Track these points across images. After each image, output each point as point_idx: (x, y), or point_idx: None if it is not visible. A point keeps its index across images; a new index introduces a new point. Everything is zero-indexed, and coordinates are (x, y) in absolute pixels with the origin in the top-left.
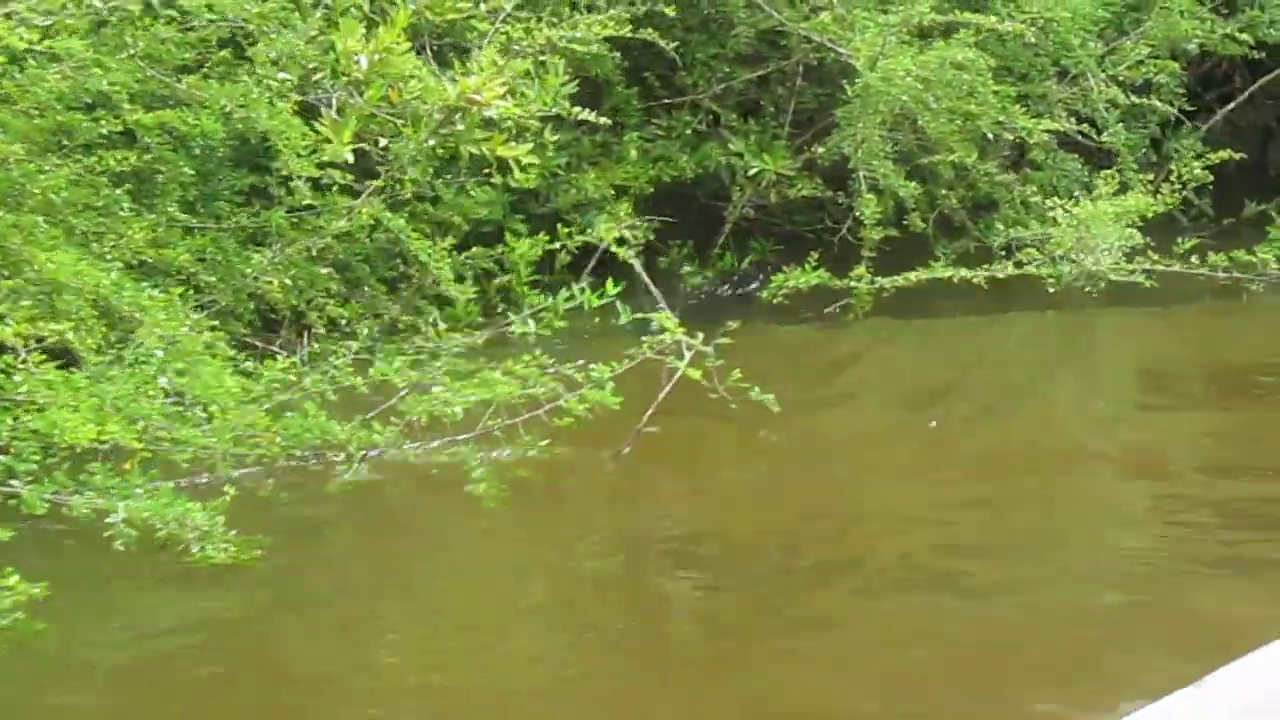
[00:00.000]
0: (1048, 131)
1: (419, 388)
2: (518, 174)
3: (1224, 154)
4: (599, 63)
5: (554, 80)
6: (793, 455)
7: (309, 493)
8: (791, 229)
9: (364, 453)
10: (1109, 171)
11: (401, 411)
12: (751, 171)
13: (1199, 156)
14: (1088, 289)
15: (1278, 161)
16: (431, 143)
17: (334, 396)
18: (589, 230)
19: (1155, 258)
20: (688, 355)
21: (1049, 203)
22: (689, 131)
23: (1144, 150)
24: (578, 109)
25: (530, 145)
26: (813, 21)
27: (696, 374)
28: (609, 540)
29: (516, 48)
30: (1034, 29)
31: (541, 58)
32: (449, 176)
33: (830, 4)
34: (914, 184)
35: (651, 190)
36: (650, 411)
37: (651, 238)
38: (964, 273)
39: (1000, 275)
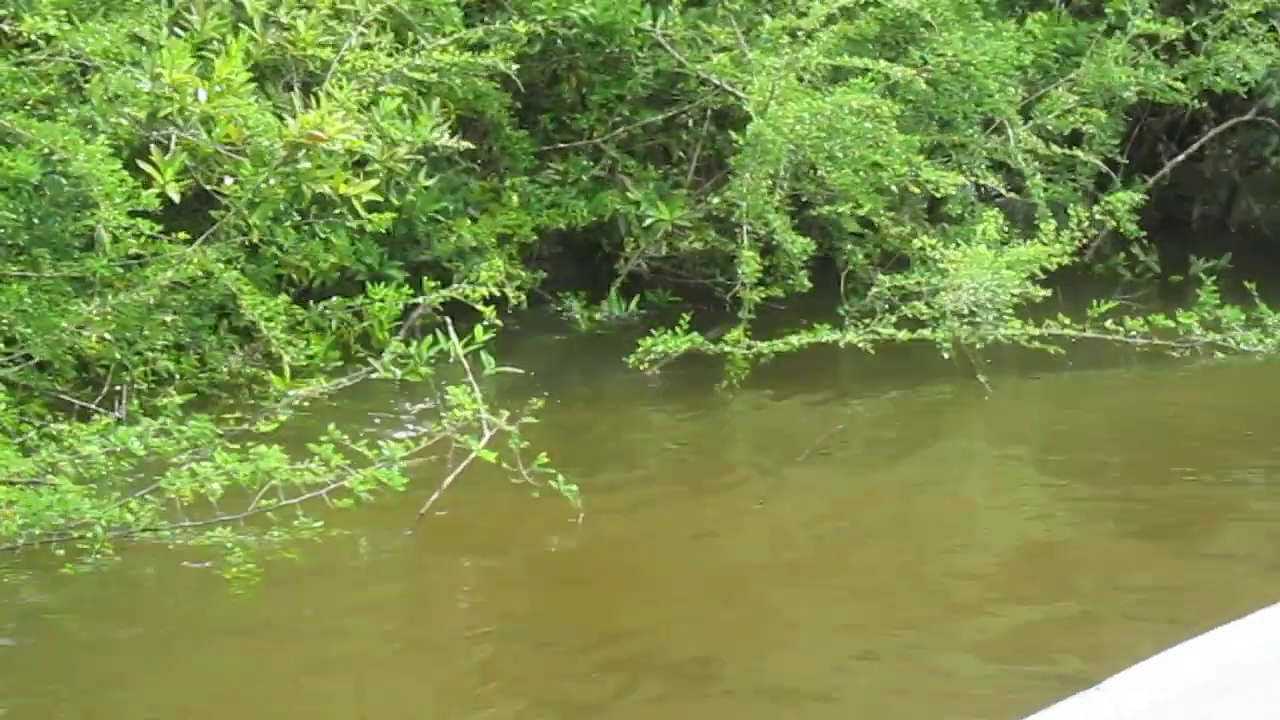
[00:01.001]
0: (974, 183)
1: (198, 455)
2: (363, 214)
3: (1121, 196)
4: (484, 102)
5: (425, 119)
6: (594, 548)
7: (51, 577)
8: (699, 283)
9: (110, 533)
10: (989, 213)
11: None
12: (647, 222)
13: (1108, 212)
14: (977, 346)
15: (1238, 218)
16: (274, 182)
17: (105, 468)
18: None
19: (1066, 321)
20: (487, 435)
21: (935, 251)
22: (586, 177)
23: (1076, 203)
24: (445, 143)
25: (375, 183)
26: (710, 63)
27: (491, 456)
28: (369, 632)
29: (363, 79)
30: (949, 74)
31: (381, 89)
32: (307, 220)
33: (734, 45)
34: (807, 239)
35: (536, 238)
36: (435, 496)
37: (536, 286)
38: (849, 336)
39: (881, 335)
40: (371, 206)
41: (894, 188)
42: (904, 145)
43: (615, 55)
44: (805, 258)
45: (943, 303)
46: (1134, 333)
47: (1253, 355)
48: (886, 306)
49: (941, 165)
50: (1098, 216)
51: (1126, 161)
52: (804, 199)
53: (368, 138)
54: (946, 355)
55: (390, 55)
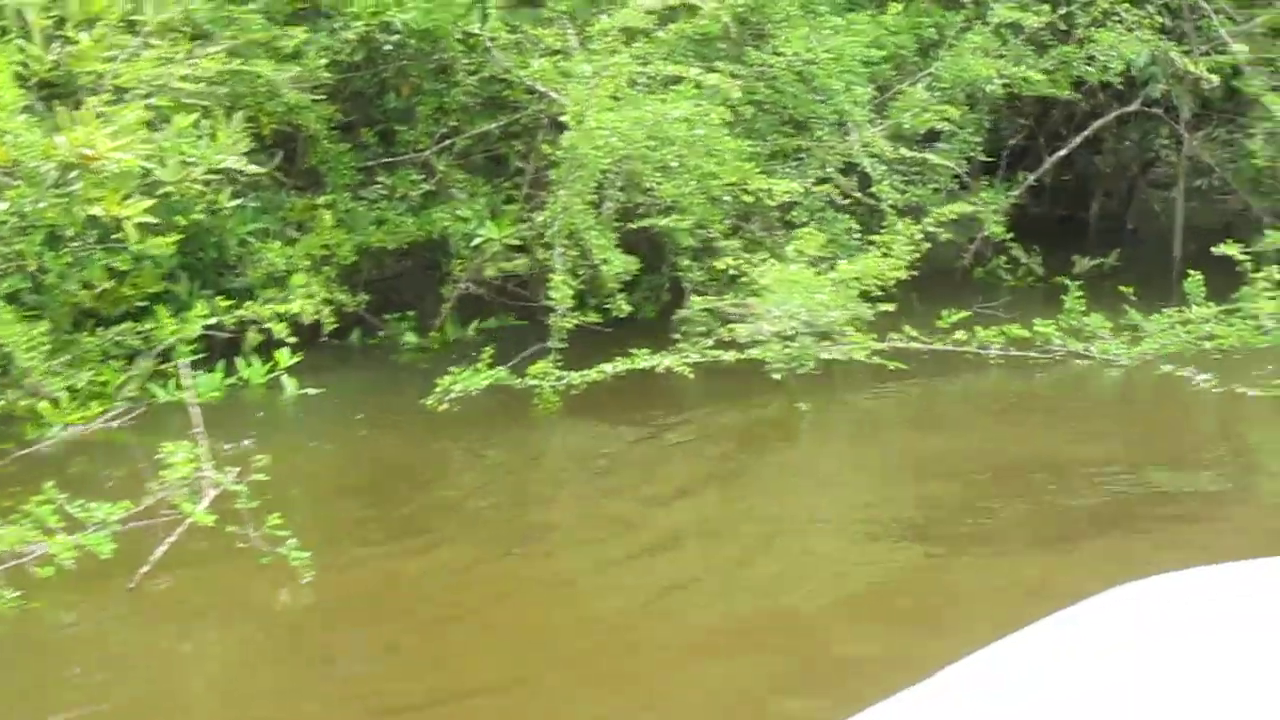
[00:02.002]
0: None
1: None
2: (132, 237)
3: (986, 196)
4: (300, 115)
5: (224, 136)
6: (338, 614)
7: None
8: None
9: None
10: (804, 231)
11: None
12: (476, 241)
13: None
14: (799, 369)
15: (1135, 214)
16: (43, 205)
17: None
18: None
19: (914, 334)
20: (208, 495)
21: (755, 270)
22: (415, 193)
23: (934, 206)
24: (236, 165)
25: (149, 204)
26: (532, 69)
27: (209, 519)
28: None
29: (135, 92)
30: (790, 73)
31: (149, 101)
32: (87, 246)
33: (565, 48)
34: (631, 257)
35: (356, 258)
36: (144, 569)
37: (361, 309)
38: (668, 361)
39: (692, 360)
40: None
41: (729, 198)
42: (735, 152)
43: (446, 62)
44: (628, 276)
45: (752, 329)
46: (990, 344)
47: (1116, 365)
48: (703, 329)
49: (792, 170)
50: (948, 219)
51: (1006, 157)
52: (640, 212)
53: (151, 157)
54: (777, 378)
55: (161, 65)
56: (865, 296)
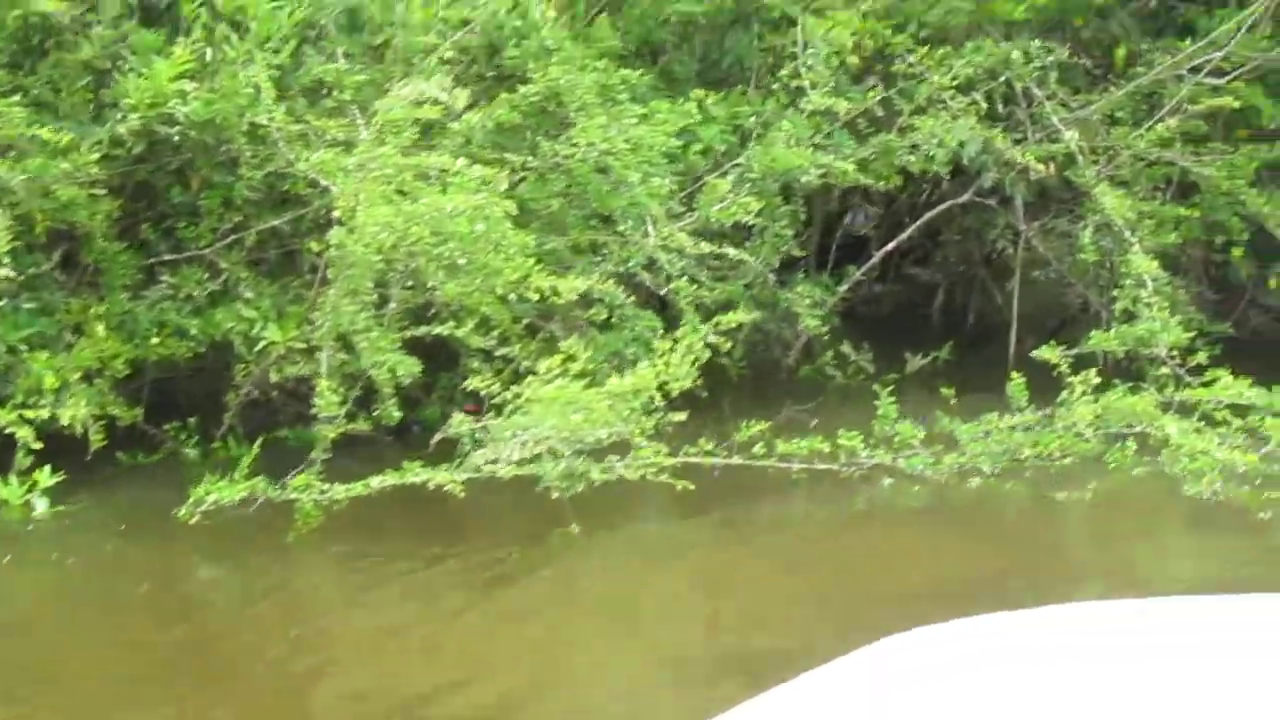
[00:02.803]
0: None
1: None
2: None
3: (802, 290)
4: (72, 211)
5: None
6: None
7: None
8: None
9: None
10: (645, 317)
11: None
12: (259, 344)
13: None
14: (568, 491)
15: (977, 307)
16: None
17: None
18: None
19: (709, 447)
20: None
21: (519, 388)
22: (200, 293)
23: (743, 303)
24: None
25: None
26: (311, 161)
27: None
28: None
29: None
30: (582, 165)
31: None
32: None
33: (348, 139)
34: (414, 359)
35: (128, 371)
36: None
37: (138, 419)
38: (440, 477)
39: (474, 475)
40: None
41: (514, 296)
42: (520, 248)
43: (234, 154)
44: (408, 380)
45: (501, 449)
46: (793, 458)
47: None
48: (470, 444)
49: (595, 265)
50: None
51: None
52: (433, 313)
53: None
54: (556, 495)
55: None
56: (666, 400)
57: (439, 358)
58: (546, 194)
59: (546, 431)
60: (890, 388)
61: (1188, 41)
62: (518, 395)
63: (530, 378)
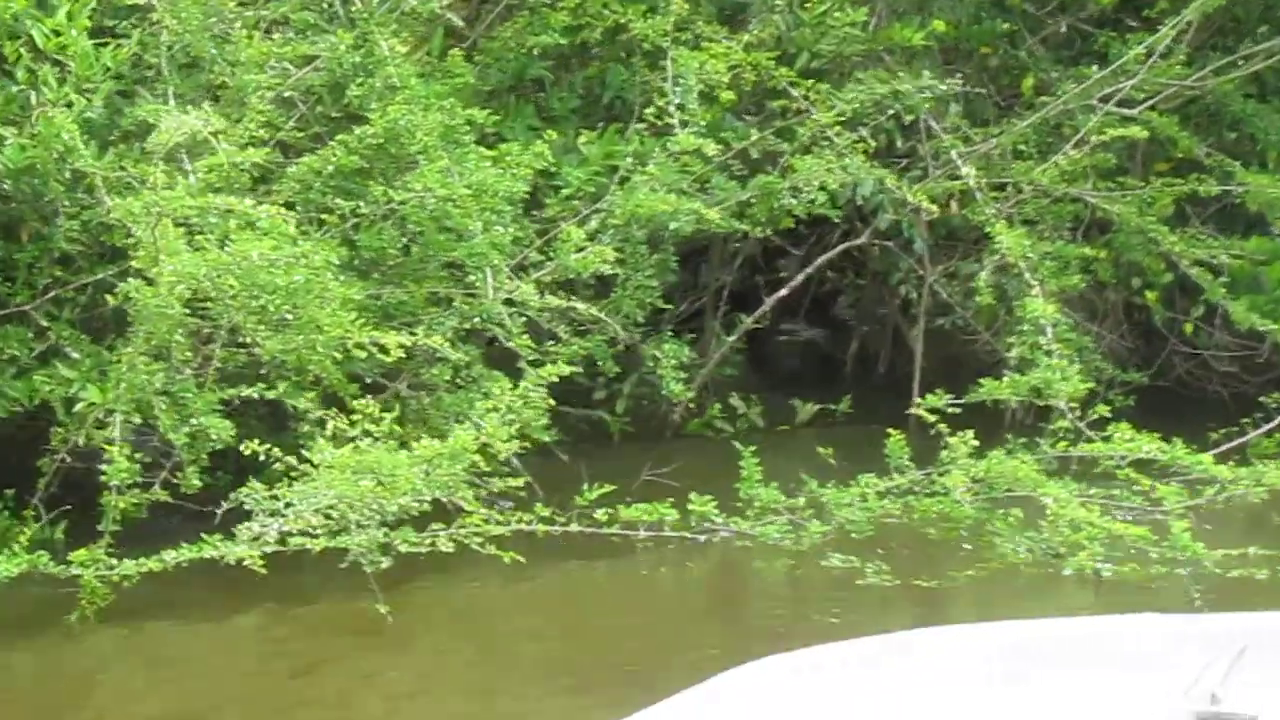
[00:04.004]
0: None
1: None
2: None
3: (669, 348)
4: None
5: None
6: None
7: None
8: None
9: None
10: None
11: None
12: (78, 406)
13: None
14: (374, 565)
15: (888, 356)
16: None
17: None
18: None
19: (546, 513)
20: None
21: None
22: (26, 355)
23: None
24: None
25: None
26: (114, 208)
27: None
28: None
29: None
30: (419, 210)
31: None
32: None
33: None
34: (226, 423)
35: None
36: None
37: None
38: (239, 551)
39: (277, 548)
40: None
41: (337, 354)
42: (342, 300)
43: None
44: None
45: (272, 523)
46: (639, 524)
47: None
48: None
49: (443, 318)
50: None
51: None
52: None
53: None
54: (368, 568)
55: None
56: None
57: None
58: (384, 242)
59: (328, 501)
60: (742, 447)
61: (1094, 69)
62: (304, 461)
63: (319, 441)
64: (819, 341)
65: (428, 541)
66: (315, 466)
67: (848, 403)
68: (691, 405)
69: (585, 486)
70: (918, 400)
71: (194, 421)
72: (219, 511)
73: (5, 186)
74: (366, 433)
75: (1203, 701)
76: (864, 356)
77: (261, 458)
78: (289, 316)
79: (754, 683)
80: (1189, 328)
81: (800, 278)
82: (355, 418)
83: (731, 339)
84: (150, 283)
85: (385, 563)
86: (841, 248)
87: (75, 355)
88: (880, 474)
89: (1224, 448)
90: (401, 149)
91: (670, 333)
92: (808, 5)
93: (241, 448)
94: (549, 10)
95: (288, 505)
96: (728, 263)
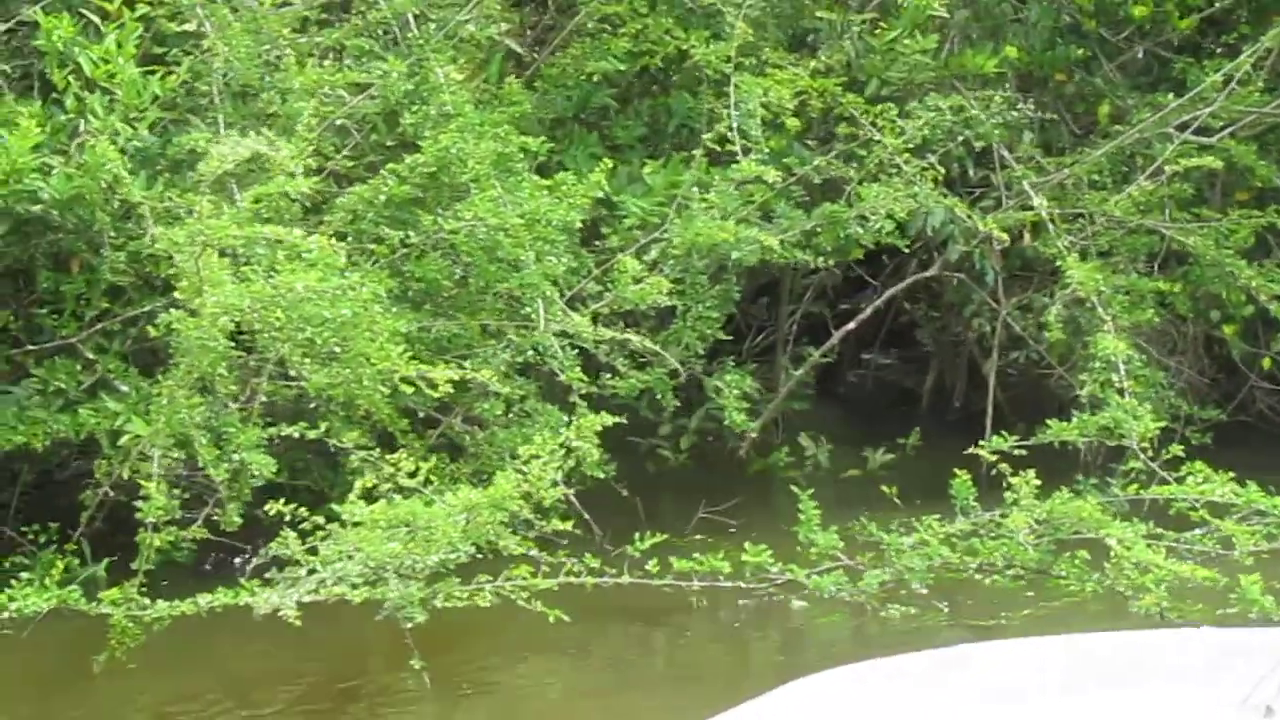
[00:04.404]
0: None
1: None
2: None
3: (731, 379)
4: None
5: None
6: None
7: None
8: None
9: None
10: (549, 413)
11: None
12: (123, 439)
13: None
14: (409, 620)
15: (963, 391)
16: None
17: None
18: None
19: (595, 564)
20: None
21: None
22: (74, 388)
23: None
24: None
25: None
26: (158, 238)
27: None
28: None
29: None
30: (470, 241)
31: None
32: None
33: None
34: (269, 459)
35: None
36: None
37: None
38: (275, 600)
39: (314, 598)
40: None
41: (385, 388)
42: (390, 333)
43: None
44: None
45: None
46: (693, 576)
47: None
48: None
49: (499, 351)
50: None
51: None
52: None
53: None
54: (409, 625)
55: None
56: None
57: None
58: (435, 272)
59: (357, 566)
60: (810, 500)
61: (1170, 96)
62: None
63: (352, 495)
64: (896, 375)
65: (466, 596)
66: (343, 525)
67: (916, 436)
68: (758, 442)
69: (637, 535)
70: (982, 442)
71: (236, 457)
72: (248, 562)
73: (54, 216)
74: (398, 488)
75: (1257, 713)
76: (940, 390)
77: (287, 517)
78: (337, 350)
79: (812, 695)
80: (1267, 362)
81: (869, 310)
82: (398, 456)
83: (799, 372)
84: (193, 314)
85: (420, 617)
86: (911, 280)
87: (124, 389)
88: (948, 516)
89: None
90: (453, 177)
91: (733, 364)
92: (877, 32)
93: (266, 507)
94: (610, 37)
95: (310, 572)
96: (803, 294)
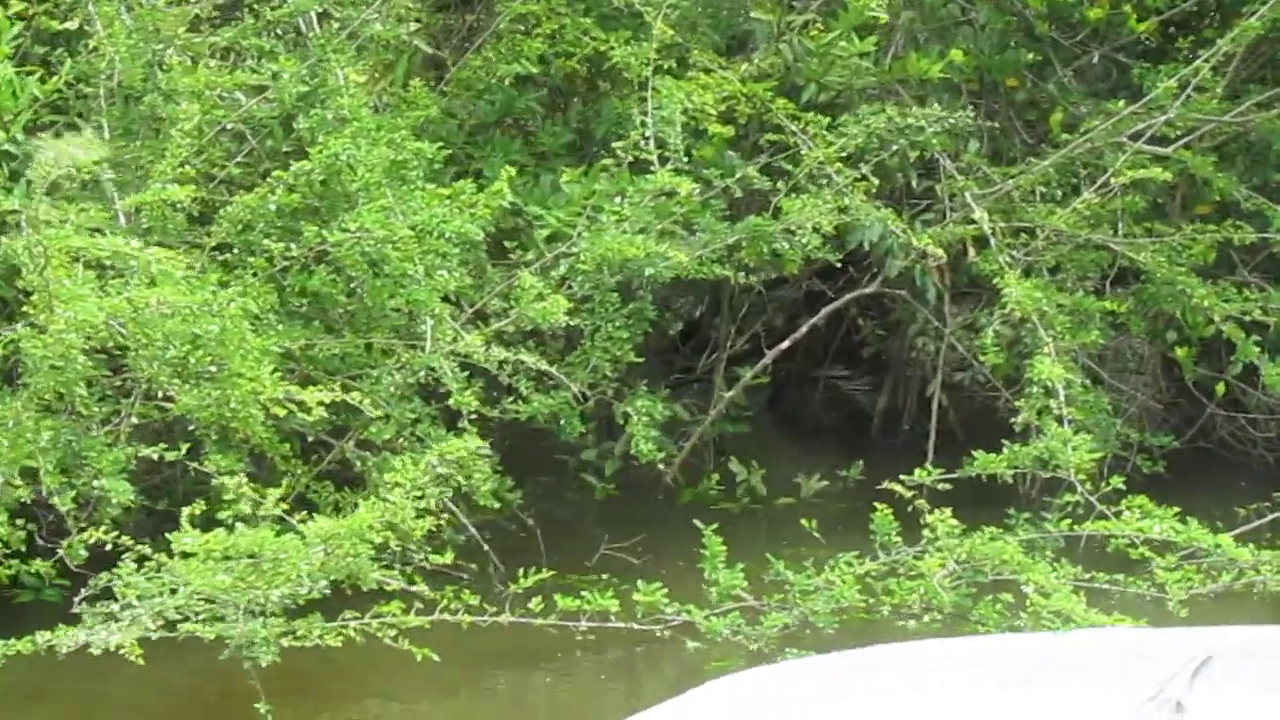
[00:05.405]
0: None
1: None
2: None
3: (641, 404)
4: None
5: None
6: None
7: None
8: None
9: None
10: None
11: None
12: None
13: None
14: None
15: (913, 413)
16: None
17: None
18: None
19: (473, 600)
20: None
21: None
22: None
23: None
24: None
25: None
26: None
27: None
28: None
29: None
30: (353, 255)
31: None
32: None
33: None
34: (124, 485)
35: None
36: None
37: None
38: (116, 639)
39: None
40: None
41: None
42: (260, 351)
43: None
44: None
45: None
46: (581, 614)
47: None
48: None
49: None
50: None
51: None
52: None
53: None
54: (263, 662)
55: None
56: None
57: None
58: (317, 287)
59: (181, 599)
60: (714, 524)
61: (1123, 103)
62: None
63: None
64: (849, 395)
65: (318, 634)
66: (171, 557)
67: (858, 470)
68: (691, 468)
69: (521, 571)
70: (903, 475)
71: (96, 483)
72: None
73: None
74: (237, 517)
75: (1168, 709)
76: (893, 411)
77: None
78: (213, 370)
79: (735, 693)
80: (1221, 388)
81: (805, 328)
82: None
83: (730, 394)
84: (41, 331)
85: (268, 657)
86: (847, 297)
87: None
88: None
89: (1252, 525)
90: (344, 186)
91: (645, 388)
92: (813, 34)
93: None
94: (523, 38)
95: (125, 607)
96: (763, 310)
